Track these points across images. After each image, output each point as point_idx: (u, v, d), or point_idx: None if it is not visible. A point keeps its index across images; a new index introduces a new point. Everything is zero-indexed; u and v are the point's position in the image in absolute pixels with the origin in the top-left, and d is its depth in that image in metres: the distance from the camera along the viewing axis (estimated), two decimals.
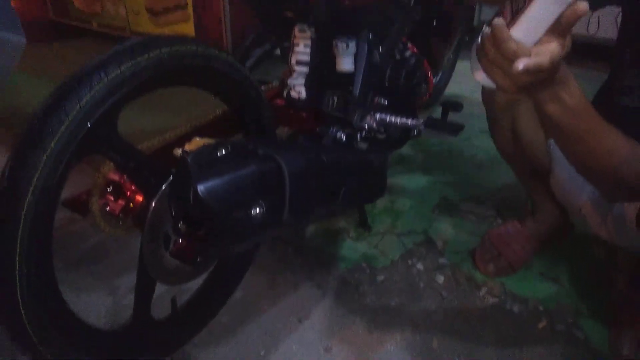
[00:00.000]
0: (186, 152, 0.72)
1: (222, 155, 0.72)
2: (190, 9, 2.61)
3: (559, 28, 0.59)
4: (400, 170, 1.82)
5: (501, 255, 1.31)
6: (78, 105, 0.70)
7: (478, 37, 0.67)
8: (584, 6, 0.57)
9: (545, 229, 1.34)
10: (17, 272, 0.67)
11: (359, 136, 1.21)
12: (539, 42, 0.61)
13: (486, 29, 0.63)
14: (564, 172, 1.14)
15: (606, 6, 1.03)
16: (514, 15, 0.62)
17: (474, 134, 2.01)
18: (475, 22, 2.78)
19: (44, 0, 3.16)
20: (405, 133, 1.41)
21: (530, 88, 0.64)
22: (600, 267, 1.32)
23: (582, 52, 2.57)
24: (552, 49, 0.60)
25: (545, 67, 0.60)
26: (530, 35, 0.61)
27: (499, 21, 0.61)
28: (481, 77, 0.67)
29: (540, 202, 1.33)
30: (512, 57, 0.60)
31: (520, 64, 0.59)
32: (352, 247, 1.40)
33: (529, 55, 0.60)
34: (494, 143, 1.31)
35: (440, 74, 2.05)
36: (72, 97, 0.70)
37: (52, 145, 0.67)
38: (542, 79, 0.63)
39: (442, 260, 1.35)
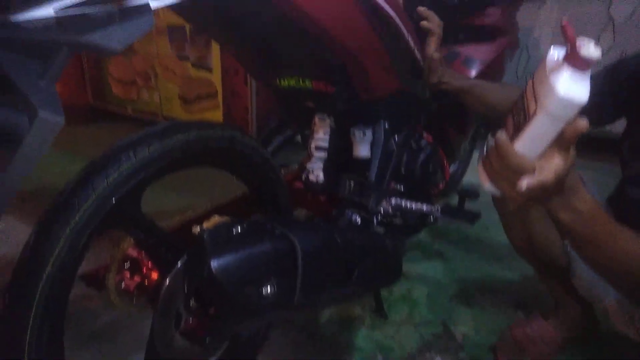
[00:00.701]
0: (203, 230, 0.74)
1: (238, 233, 0.73)
2: (220, 98, 2.77)
3: (561, 142, 0.61)
4: (417, 256, 1.80)
5: (524, 352, 1.24)
6: (105, 182, 0.74)
7: (484, 147, 0.70)
8: (583, 124, 0.59)
9: (570, 326, 1.28)
10: (27, 344, 0.67)
11: (375, 220, 1.22)
12: (543, 154, 0.63)
13: (491, 141, 0.66)
14: (585, 272, 1.11)
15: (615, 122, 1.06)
16: (516, 129, 0.64)
17: (491, 223, 1.98)
18: None
19: (84, 87, 3.41)
20: (421, 219, 1.41)
21: (539, 198, 0.65)
22: None
23: (597, 145, 2.61)
24: (556, 164, 0.61)
25: (549, 184, 0.61)
26: (533, 149, 0.63)
27: (502, 135, 0.63)
28: (489, 186, 0.69)
29: (562, 299, 1.28)
30: (517, 170, 0.62)
31: (523, 185, 0.61)
32: (368, 337, 1.35)
33: (533, 169, 0.61)
34: (510, 242, 1.30)
35: (457, 164, 2.09)
36: (101, 173, 0.74)
37: (77, 218, 0.70)
38: (549, 191, 0.64)
39: (462, 355, 1.29)
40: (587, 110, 0.59)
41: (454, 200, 1.74)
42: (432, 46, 1.16)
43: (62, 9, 0.62)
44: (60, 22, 0.61)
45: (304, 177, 1.23)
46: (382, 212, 1.16)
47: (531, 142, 0.63)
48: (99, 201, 0.73)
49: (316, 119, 1.23)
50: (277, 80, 1.17)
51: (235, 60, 1.24)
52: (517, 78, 2.93)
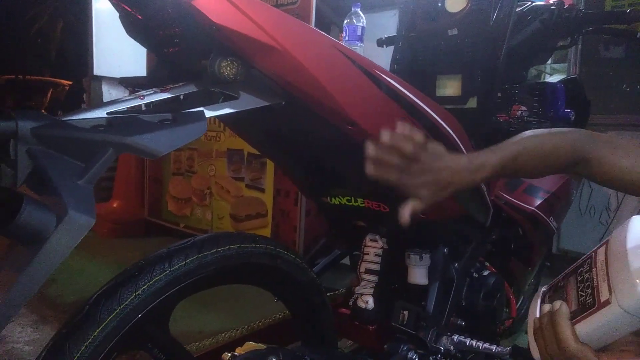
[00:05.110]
0: (235, 355, 0.64)
1: None
2: (269, 217, 2.77)
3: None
4: None
5: None
6: (133, 294, 0.67)
7: (536, 304, 0.61)
8: None
9: None
10: None
11: None
12: (611, 348, 0.53)
13: (546, 307, 0.57)
14: None
15: None
16: (581, 307, 0.54)
17: None
18: (555, 249, 2.68)
19: (142, 203, 3.55)
20: None
21: None
22: None
23: None
24: None
25: None
26: (598, 339, 0.53)
27: (562, 309, 0.54)
28: (538, 358, 0.59)
29: None
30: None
31: None
32: None
33: None
34: None
35: (522, 300, 1.89)
36: (130, 285, 0.67)
37: (95, 333, 0.62)
38: None
39: None
40: None
41: (522, 341, 1.53)
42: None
43: (115, 112, 0.62)
44: (111, 123, 0.59)
45: (351, 302, 1.12)
46: (442, 350, 1.00)
47: (598, 331, 0.52)
48: (122, 316, 0.65)
49: (367, 240, 1.14)
50: (328, 198, 1.12)
51: (285, 175, 1.22)
52: (582, 214, 2.76)
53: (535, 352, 0.59)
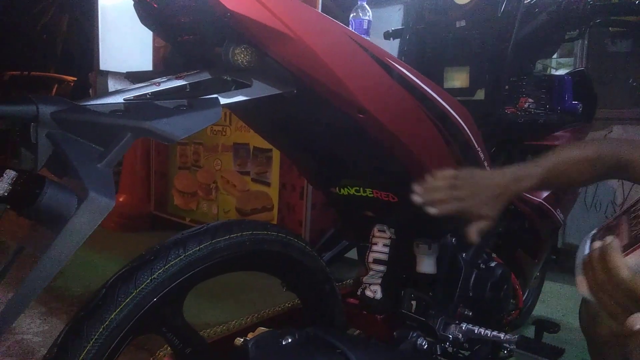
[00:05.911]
0: (247, 340, 0.65)
1: (288, 344, 0.63)
2: (275, 211, 2.78)
3: None
4: None
5: None
6: (149, 278, 0.68)
7: (584, 246, 0.60)
8: None
9: None
10: None
11: (438, 349, 1.06)
12: None
13: (597, 243, 0.57)
14: None
15: None
16: (633, 239, 0.55)
17: None
18: (560, 244, 2.68)
19: (148, 197, 3.56)
20: (493, 353, 1.23)
21: None
22: None
23: None
24: None
25: None
26: None
27: (613, 243, 0.54)
28: (585, 292, 0.59)
29: None
30: (627, 292, 0.52)
31: (637, 323, 0.50)
32: None
33: None
34: None
35: (528, 292, 1.89)
36: (145, 269, 0.68)
37: (113, 316, 0.64)
38: None
39: None
40: None
41: (528, 332, 1.54)
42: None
43: (131, 98, 0.63)
44: (128, 108, 0.60)
45: (359, 292, 1.13)
46: (450, 338, 1.01)
47: None
48: (139, 299, 0.66)
49: (375, 230, 1.15)
50: (336, 189, 1.13)
51: (294, 165, 1.22)
52: (587, 209, 2.76)
53: (582, 287, 0.59)
